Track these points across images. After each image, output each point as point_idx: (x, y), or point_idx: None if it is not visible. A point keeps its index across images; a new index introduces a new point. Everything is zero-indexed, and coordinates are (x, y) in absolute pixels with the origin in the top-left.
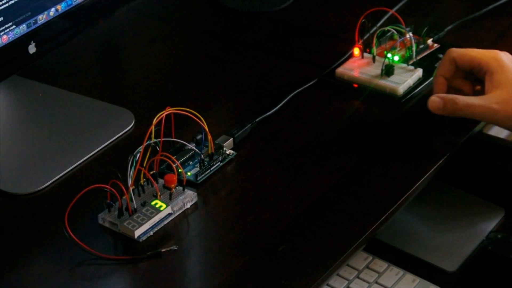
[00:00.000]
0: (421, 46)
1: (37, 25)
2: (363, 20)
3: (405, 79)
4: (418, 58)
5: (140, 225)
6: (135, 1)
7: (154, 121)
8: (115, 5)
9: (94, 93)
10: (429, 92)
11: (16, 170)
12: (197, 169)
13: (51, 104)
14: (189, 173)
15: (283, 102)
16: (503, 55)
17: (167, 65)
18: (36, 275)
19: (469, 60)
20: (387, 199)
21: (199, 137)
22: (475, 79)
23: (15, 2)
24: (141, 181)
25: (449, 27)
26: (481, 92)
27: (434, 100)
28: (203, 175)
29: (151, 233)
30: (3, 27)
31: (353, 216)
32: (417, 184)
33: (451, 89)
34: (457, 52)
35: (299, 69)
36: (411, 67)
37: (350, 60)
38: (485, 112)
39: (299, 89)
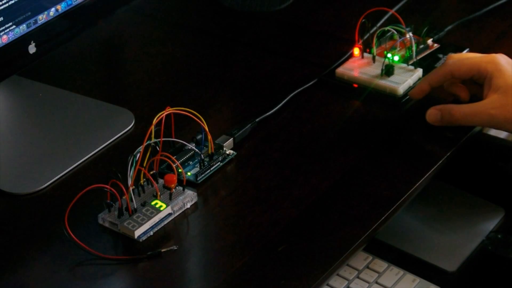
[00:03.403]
0: (421, 46)
1: (37, 25)
2: (363, 20)
3: (405, 79)
4: (418, 58)
5: (140, 225)
6: (135, 1)
7: (154, 121)
8: (115, 5)
9: (94, 93)
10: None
11: (16, 170)
12: (197, 169)
13: (51, 104)
14: (189, 173)
15: (283, 102)
16: (501, 58)
17: (167, 65)
18: (36, 275)
19: (467, 70)
20: (387, 199)
21: (199, 137)
22: (473, 82)
23: (15, 2)
24: (141, 181)
25: (449, 27)
26: (480, 94)
27: (432, 113)
28: (203, 175)
29: (151, 233)
30: (3, 27)
31: (353, 216)
32: (417, 184)
33: (448, 95)
34: (454, 65)
35: (299, 69)
36: (411, 67)
37: (350, 60)
38: (483, 119)
39: (299, 89)
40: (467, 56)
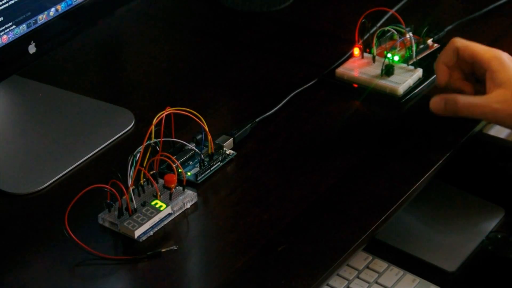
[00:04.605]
0: (421, 46)
1: (37, 25)
2: (363, 20)
3: (405, 79)
4: (418, 58)
5: (140, 225)
6: (135, 1)
7: (154, 121)
8: (115, 5)
9: (94, 93)
10: (429, 92)
11: (16, 170)
12: (197, 169)
13: (51, 104)
14: (189, 173)
15: (283, 102)
16: (504, 55)
17: (167, 65)
18: (36, 275)
19: (471, 54)
20: (387, 199)
21: (199, 137)
22: (476, 80)
23: (15, 2)
24: (141, 181)
25: (449, 27)
26: (482, 91)
27: (435, 101)
28: (203, 175)
29: (151, 233)
30: (3, 27)
31: (353, 216)
32: (417, 184)
33: (452, 91)
34: (461, 42)
35: (299, 69)
36: (411, 67)
37: (350, 60)
38: (486, 112)
39: (299, 89)
40: (473, 43)
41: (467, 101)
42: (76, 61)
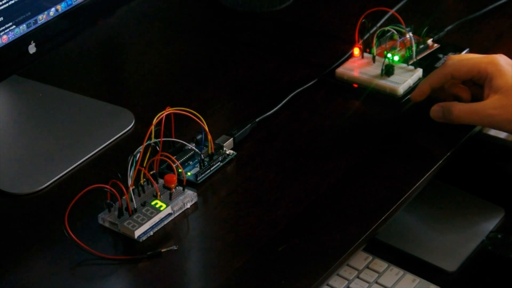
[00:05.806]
0: (421, 46)
1: (37, 25)
2: (363, 20)
3: (405, 79)
4: (418, 58)
5: (140, 225)
6: (135, 1)
7: (154, 121)
8: (115, 5)
9: (94, 93)
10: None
11: (16, 170)
12: (197, 169)
13: (51, 104)
14: (189, 173)
15: (283, 102)
16: (501, 59)
17: (167, 65)
18: (36, 275)
19: (467, 71)
20: (387, 199)
21: (199, 137)
22: (473, 83)
23: (15, 2)
24: (141, 181)
25: (449, 27)
26: (480, 94)
27: (434, 109)
28: (203, 175)
29: (151, 233)
30: (3, 27)
31: (353, 216)
32: (417, 184)
33: (450, 96)
34: (453, 66)
35: (299, 69)
36: (411, 67)
37: (350, 60)
38: (482, 118)
39: (299, 89)
40: (467, 57)
41: (462, 108)
42: (76, 61)
